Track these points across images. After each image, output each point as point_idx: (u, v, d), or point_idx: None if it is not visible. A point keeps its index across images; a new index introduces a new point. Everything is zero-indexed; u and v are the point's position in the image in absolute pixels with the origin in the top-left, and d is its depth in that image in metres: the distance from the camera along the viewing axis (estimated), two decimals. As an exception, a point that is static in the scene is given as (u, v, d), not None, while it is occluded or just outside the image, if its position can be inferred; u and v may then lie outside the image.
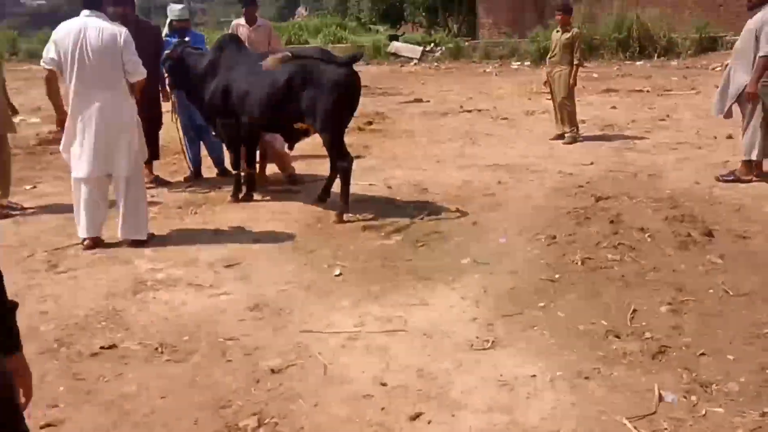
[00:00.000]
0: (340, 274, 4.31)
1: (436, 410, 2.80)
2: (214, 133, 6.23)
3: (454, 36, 24.89)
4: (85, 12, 4.62)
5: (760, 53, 5.82)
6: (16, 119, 6.26)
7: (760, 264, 4.26)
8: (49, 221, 5.46)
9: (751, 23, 5.99)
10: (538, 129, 9.12)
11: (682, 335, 3.40)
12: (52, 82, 4.77)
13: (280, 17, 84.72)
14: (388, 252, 4.72)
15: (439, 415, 2.76)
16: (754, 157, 6.06)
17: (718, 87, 6.54)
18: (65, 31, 4.59)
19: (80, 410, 2.85)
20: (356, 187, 6.36)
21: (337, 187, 5.66)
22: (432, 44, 23.14)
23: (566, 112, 8.30)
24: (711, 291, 3.90)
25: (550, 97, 8.65)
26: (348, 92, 5.33)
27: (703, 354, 3.20)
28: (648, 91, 12.25)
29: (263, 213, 5.66)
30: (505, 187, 6.31)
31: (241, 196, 6.04)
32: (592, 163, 7.06)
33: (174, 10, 6.86)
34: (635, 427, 2.64)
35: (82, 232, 4.79)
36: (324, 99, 5.25)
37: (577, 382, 2.99)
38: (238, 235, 5.10)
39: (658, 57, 17.90)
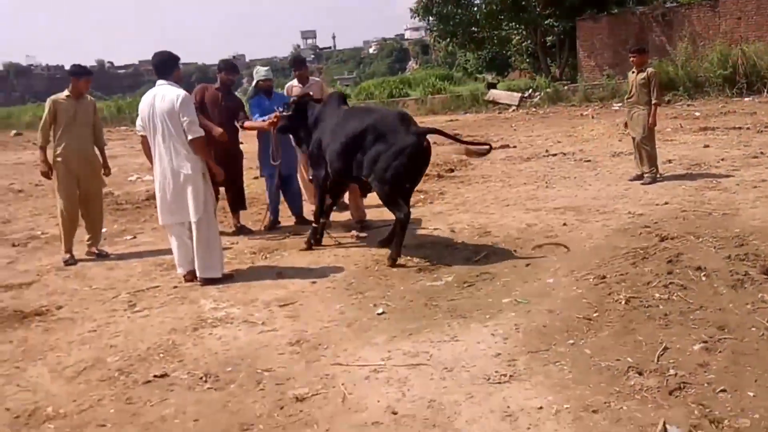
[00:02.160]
0: (383, 313, 4.53)
1: (437, 438, 2.93)
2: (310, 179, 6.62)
3: (554, 80, 24.78)
4: (159, 81, 5.32)
5: None
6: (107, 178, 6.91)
7: (815, 302, 4.06)
8: (137, 266, 6.09)
9: None
10: (620, 170, 8.99)
11: (708, 372, 3.33)
12: (144, 144, 5.57)
13: (390, 72, 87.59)
14: (435, 292, 4.89)
15: (439, 443, 2.89)
16: None
17: None
18: (144, 101, 5.36)
19: (123, 429, 3.23)
20: (422, 231, 6.62)
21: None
22: (531, 90, 23.17)
23: (645, 152, 8.16)
24: (753, 329, 3.77)
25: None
26: (411, 160, 5.57)
27: (723, 390, 3.12)
28: (748, 128, 11.71)
29: (326, 257, 6.01)
30: (569, 229, 6.31)
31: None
32: (666, 203, 6.90)
33: (260, 72, 7.49)
34: (628, 460, 2.65)
35: (179, 268, 5.50)
36: (385, 159, 5.54)
37: (582, 414, 3.02)
38: (299, 277, 5.45)
39: (769, 92, 17.02)
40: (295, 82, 7.74)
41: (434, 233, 6.55)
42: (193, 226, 5.29)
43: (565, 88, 22.25)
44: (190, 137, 5.18)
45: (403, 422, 3.09)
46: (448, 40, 30.14)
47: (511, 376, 3.46)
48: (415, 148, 5.55)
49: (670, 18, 22.83)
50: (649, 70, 8.22)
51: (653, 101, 8.06)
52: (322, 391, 3.46)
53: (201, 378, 3.72)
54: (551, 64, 29.26)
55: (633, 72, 8.35)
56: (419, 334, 4.12)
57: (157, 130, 5.23)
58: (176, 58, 5.41)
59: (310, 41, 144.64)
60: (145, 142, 5.49)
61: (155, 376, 3.77)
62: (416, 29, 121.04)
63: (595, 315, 4.19)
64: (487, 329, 4.09)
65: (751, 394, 3.07)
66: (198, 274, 5.38)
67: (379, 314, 4.52)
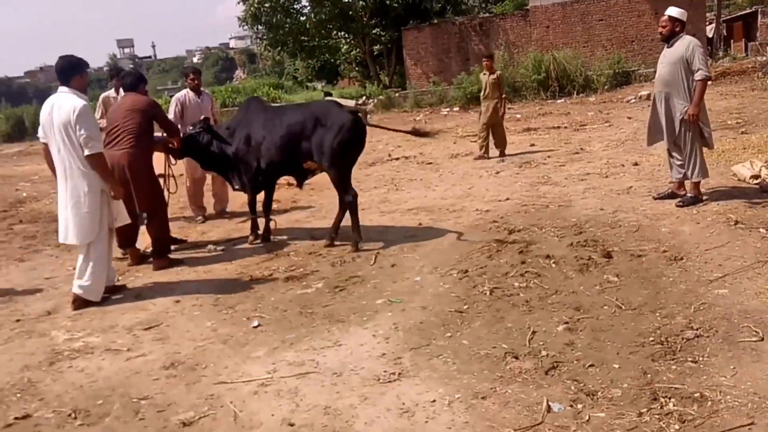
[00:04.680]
0: (259, 325, 4.43)
1: (339, 443, 2.93)
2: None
3: (385, 88, 25.56)
4: (60, 88, 4.91)
5: (698, 77, 6.01)
6: None
7: (650, 278, 4.57)
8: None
9: (676, 53, 6.12)
10: (460, 170, 9.50)
11: (575, 350, 3.63)
12: (45, 153, 5.11)
13: (217, 81, 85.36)
14: (307, 300, 4.86)
15: (342, 448, 2.89)
16: (709, 175, 6.44)
17: (648, 121, 6.53)
18: (44, 109, 4.92)
19: (-13, 482, 2.88)
20: (282, 239, 6.54)
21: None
22: (364, 97, 23.72)
23: (497, 136, 10.11)
24: (605, 308, 4.17)
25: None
26: (353, 135, 5.93)
27: (591, 365, 3.43)
28: (565, 127, 12.88)
29: (186, 274, 5.75)
30: (425, 229, 6.55)
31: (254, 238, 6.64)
32: (507, 199, 7.40)
33: None
34: (523, 438, 2.82)
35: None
36: (330, 140, 5.86)
37: (473, 402, 3.17)
38: (159, 296, 5.16)
39: (577, 94, 18.82)
40: (111, 92, 8.13)
41: (295, 240, 6.50)
42: (83, 248, 4.95)
43: (397, 95, 23.07)
44: (86, 153, 4.77)
45: (301, 433, 3.05)
46: (279, 48, 30.05)
47: (399, 373, 3.53)
48: (354, 123, 5.92)
49: (486, 27, 24.52)
50: (498, 72, 10.00)
51: (504, 96, 10.07)
52: (210, 413, 3.31)
53: (69, 415, 3.40)
54: (380, 72, 30.17)
55: (484, 74, 10.09)
56: (301, 342, 4.07)
57: (56, 141, 4.83)
58: (79, 64, 4.97)
59: (127, 50, 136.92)
60: (45, 150, 5.05)
61: (16, 418, 3.39)
62: (241, 38, 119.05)
63: (465, 307, 4.40)
64: (368, 331, 4.15)
65: (617, 366, 3.40)
66: (78, 293, 5.00)
67: (254, 327, 4.41)
